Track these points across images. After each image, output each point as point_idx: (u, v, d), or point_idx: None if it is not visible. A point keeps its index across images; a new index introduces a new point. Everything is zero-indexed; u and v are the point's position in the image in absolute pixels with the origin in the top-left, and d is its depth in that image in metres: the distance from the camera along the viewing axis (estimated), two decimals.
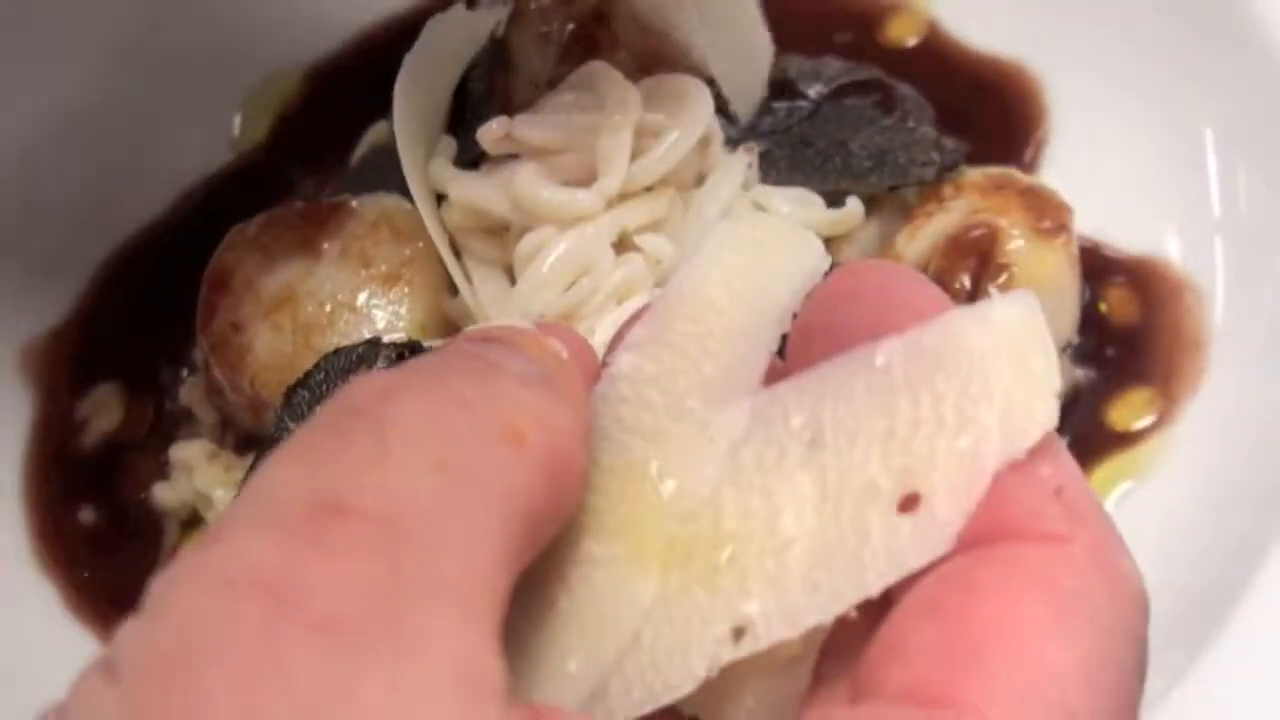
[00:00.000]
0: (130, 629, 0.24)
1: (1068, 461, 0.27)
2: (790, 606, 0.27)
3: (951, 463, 0.27)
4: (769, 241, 0.30)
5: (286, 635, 0.23)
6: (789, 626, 0.27)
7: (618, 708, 0.27)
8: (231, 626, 0.23)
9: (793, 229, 0.31)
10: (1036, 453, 0.27)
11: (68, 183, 0.57)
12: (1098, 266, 0.52)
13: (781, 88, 0.52)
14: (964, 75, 0.56)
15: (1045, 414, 0.27)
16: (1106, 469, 0.50)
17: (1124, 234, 0.53)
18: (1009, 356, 0.27)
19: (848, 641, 0.27)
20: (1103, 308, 0.52)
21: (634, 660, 0.28)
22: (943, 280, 0.49)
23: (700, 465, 0.28)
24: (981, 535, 0.26)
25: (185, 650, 0.23)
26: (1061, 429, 0.50)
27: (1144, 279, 0.52)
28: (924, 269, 0.49)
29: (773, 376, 0.29)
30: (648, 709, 0.27)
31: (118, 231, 0.57)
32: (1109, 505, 0.49)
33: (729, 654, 0.27)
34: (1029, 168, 0.53)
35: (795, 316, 0.30)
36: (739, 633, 0.27)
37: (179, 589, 0.24)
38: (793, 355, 0.29)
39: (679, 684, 0.27)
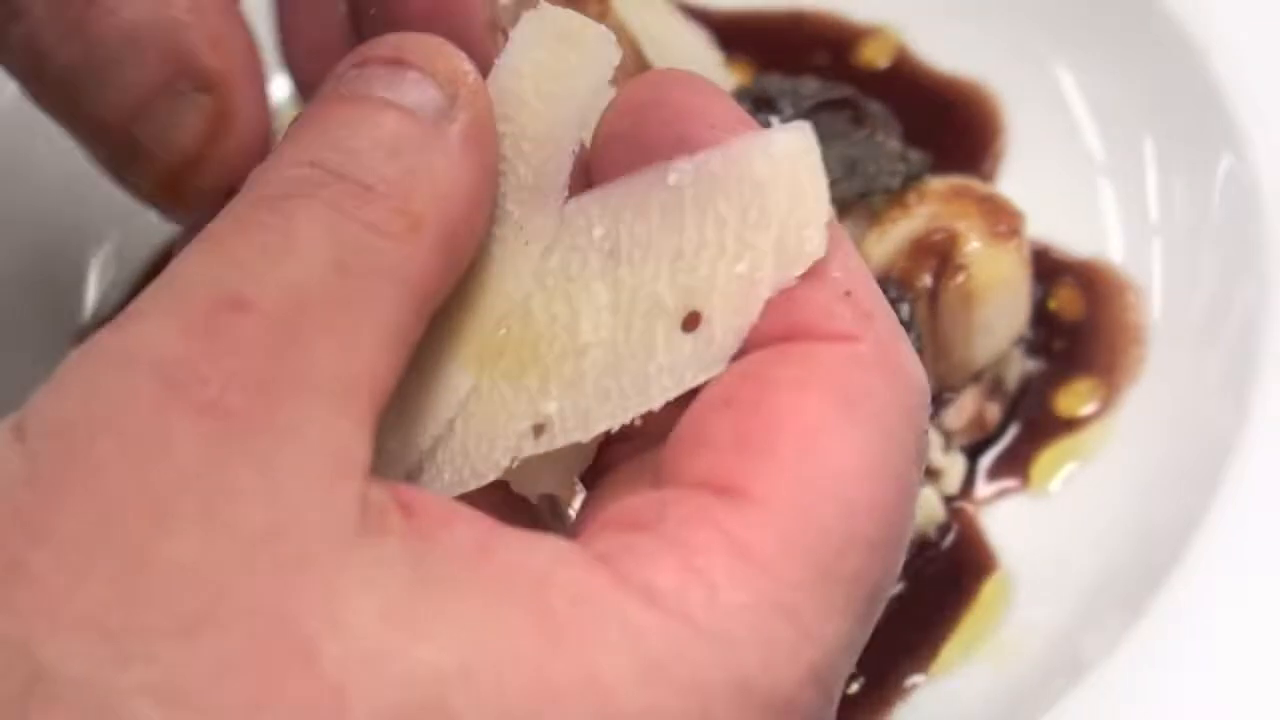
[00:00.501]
0: (41, 395, 0.24)
1: (858, 265, 0.27)
2: (583, 410, 0.27)
3: (731, 287, 0.26)
4: (569, 35, 0.29)
5: (174, 416, 0.23)
6: (582, 430, 0.27)
7: (429, 489, 0.27)
8: (126, 402, 0.23)
9: (586, 23, 0.29)
10: (830, 258, 0.26)
11: (117, 192, 0.56)
12: (1047, 267, 0.52)
13: (763, 104, 0.52)
14: (930, 94, 0.57)
15: (815, 243, 0.26)
16: (1053, 452, 0.50)
17: (1071, 238, 0.53)
18: (786, 187, 0.26)
19: (652, 429, 0.27)
20: (1052, 305, 0.52)
21: (446, 447, 0.28)
22: (907, 278, 0.49)
23: (517, 267, 0.28)
24: (778, 334, 0.26)
25: (84, 418, 0.23)
26: (1013, 414, 0.50)
27: (1089, 279, 0.52)
28: (890, 268, 0.49)
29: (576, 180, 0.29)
30: (455, 493, 0.28)
31: (162, 234, 0.57)
32: (1056, 485, 0.50)
33: (530, 448, 0.27)
34: (987, 178, 0.54)
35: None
36: (539, 429, 0.27)
37: (86, 365, 0.24)
38: (596, 161, 0.29)
39: (484, 472, 0.28)
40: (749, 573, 0.24)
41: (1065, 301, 0.52)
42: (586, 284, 0.28)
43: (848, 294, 0.26)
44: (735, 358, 0.26)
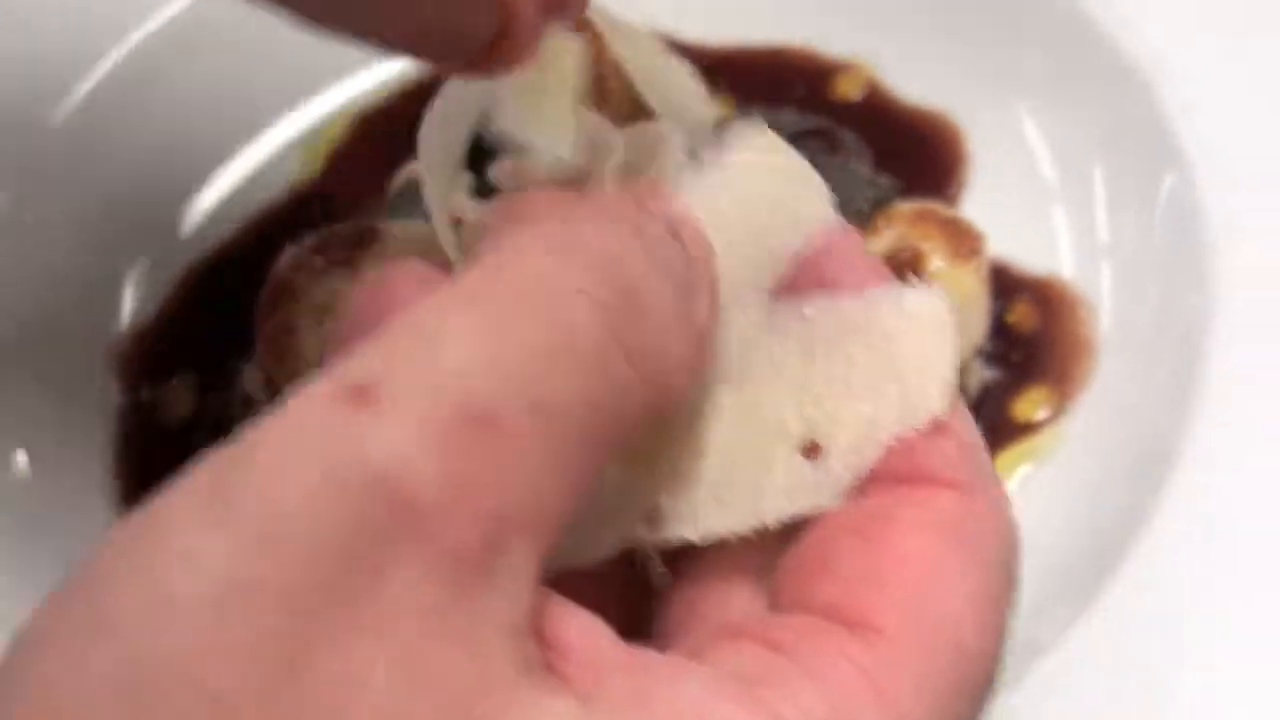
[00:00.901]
0: (248, 463, 0.20)
1: (972, 424, 0.27)
2: (695, 512, 0.26)
3: (854, 426, 0.26)
4: (793, 176, 0.28)
5: (394, 544, 0.20)
6: (693, 529, 0.26)
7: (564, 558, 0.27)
8: (350, 516, 0.20)
9: (809, 170, 0.28)
10: (952, 414, 0.26)
11: (153, 213, 0.57)
12: (1005, 284, 0.53)
13: None
14: (899, 125, 0.57)
15: (939, 399, 0.26)
16: (1010, 454, 0.51)
17: (1028, 257, 0.54)
18: (916, 343, 0.26)
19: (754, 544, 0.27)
20: (1009, 319, 0.53)
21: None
22: None
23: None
24: (901, 474, 0.26)
25: (301, 517, 0.20)
26: (973, 419, 0.50)
27: (1044, 295, 0.53)
28: None
29: None
30: (567, 566, 0.26)
31: (194, 250, 0.58)
32: (1012, 485, 0.50)
33: (642, 535, 0.27)
34: (950, 202, 0.54)
35: None
36: (652, 519, 0.26)
37: (304, 448, 0.20)
38: None
39: (595, 551, 0.26)
40: (886, 714, 0.24)
41: (1022, 316, 0.52)
42: (715, 393, 0.27)
43: (965, 448, 0.26)
44: (852, 493, 0.26)
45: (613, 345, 0.23)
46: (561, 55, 0.43)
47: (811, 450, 0.26)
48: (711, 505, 0.26)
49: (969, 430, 0.27)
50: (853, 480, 0.26)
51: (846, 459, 0.26)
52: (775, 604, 0.26)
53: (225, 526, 0.20)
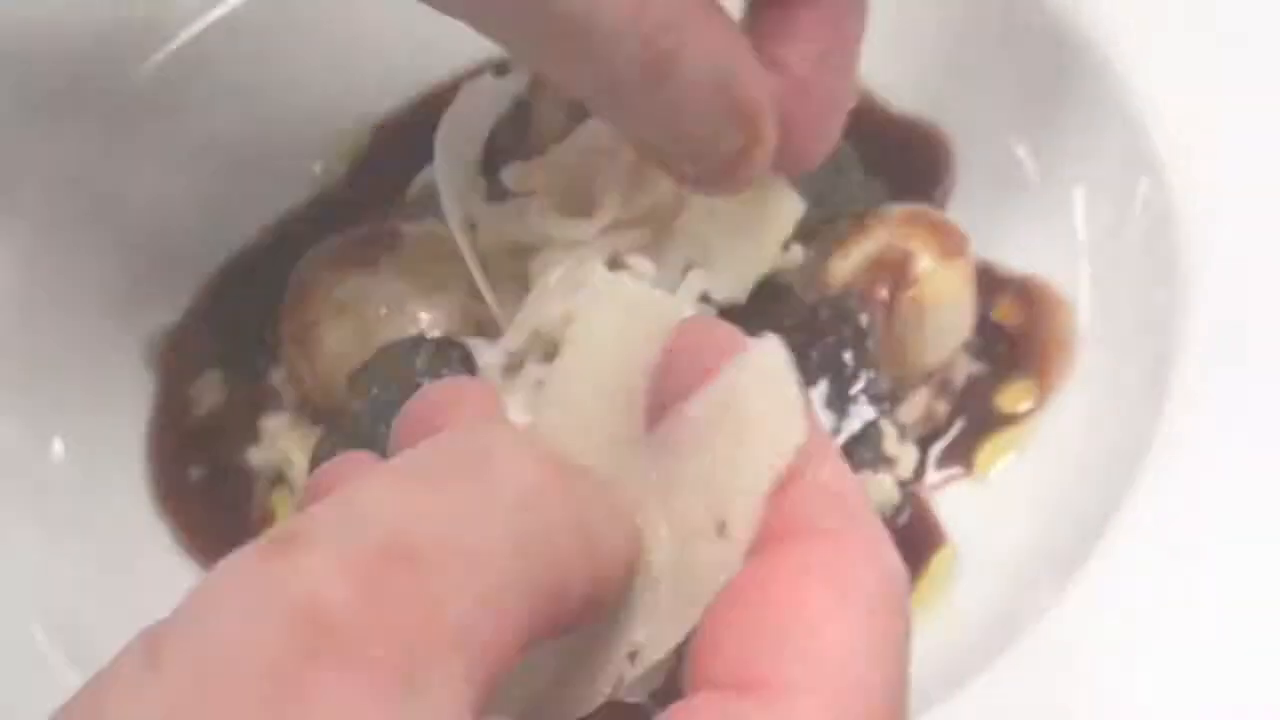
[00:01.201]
0: (184, 616, 0.21)
1: (844, 468, 0.27)
2: (662, 633, 0.27)
3: (738, 489, 0.27)
4: (639, 304, 0.29)
5: (317, 670, 0.20)
6: (662, 649, 0.27)
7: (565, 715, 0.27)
8: (269, 650, 0.20)
9: (651, 291, 0.30)
10: (820, 465, 0.26)
11: (185, 218, 0.58)
12: (990, 283, 0.54)
13: None
14: (890, 133, 0.58)
15: (797, 432, 0.26)
16: (994, 444, 0.52)
17: (1012, 257, 0.54)
18: (765, 394, 0.27)
19: None
20: (994, 316, 0.54)
21: (555, 684, 0.27)
22: (867, 292, 0.50)
23: None
24: (775, 534, 0.26)
25: (223, 660, 0.20)
26: (959, 410, 0.51)
27: (1027, 293, 0.54)
28: (852, 283, 0.50)
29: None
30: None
31: (223, 251, 0.59)
32: (996, 472, 0.51)
33: (629, 675, 0.27)
34: (938, 205, 0.55)
35: None
36: (633, 656, 0.27)
37: (235, 590, 0.21)
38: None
39: (587, 703, 0.27)
40: None
41: (1005, 312, 0.53)
42: (652, 524, 0.27)
43: (836, 495, 0.26)
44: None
45: (538, 515, 0.24)
46: (779, 201, 0.45)
47: (719, 530, 0.26)
48: (671, 621, 0.27)
49: (841, 480, 0.26)
50: (751, 540, 0.26)
51: (742, 522, 0.26)
52: (688, 690, 0.25)
53: (158, 673, 0.20)
